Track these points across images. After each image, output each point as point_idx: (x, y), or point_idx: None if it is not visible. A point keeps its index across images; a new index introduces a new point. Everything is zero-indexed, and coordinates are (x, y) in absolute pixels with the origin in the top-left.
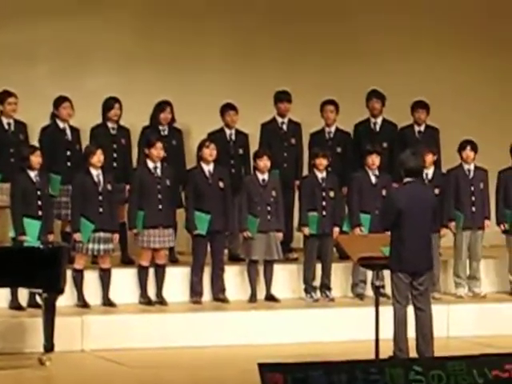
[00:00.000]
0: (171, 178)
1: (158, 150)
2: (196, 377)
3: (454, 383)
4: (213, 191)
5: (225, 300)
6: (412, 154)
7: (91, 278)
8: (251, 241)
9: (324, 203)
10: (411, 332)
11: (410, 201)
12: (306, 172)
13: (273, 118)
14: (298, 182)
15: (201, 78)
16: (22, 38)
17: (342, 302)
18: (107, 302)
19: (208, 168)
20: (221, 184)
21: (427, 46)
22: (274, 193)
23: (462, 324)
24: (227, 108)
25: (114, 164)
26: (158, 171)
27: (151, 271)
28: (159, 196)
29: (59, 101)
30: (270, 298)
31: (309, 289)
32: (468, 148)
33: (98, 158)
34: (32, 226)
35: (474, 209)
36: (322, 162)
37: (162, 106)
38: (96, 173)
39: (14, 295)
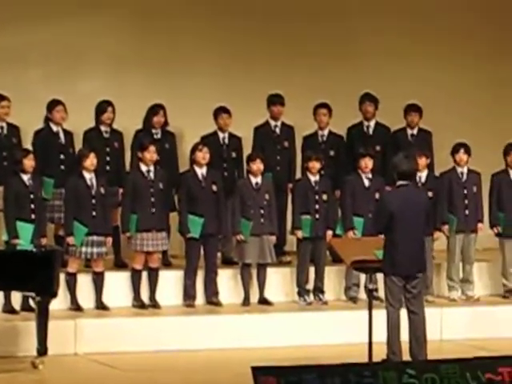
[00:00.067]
0: (164, 181)
1: (151, 154)
2: (189, 380)
3: None
4: (206, 194)
5: (218, 303)
6: (405, 157)
7: (84, 282)
8: (244, 244)
9: (317, 206)
10: (404, 335)
11: (403, 204)
12: (299, 175)
13: (266, 121)
14: (291, 185)
15: (194, 82)
16: (15, 41)
17: (335, 306)
18: (100, 306)
19: (201, 171)
20: (214, 187)
21: (420, 49)
22: (267, 196)
23: (455, 327)
24: (220, 111)
25: (107, 167)
26: (151, 174)
27: (144, 275)
28: (152, 199)
29: (52, 104)
30: (263, 301)
31: (302, 292)
32: (461, 151)
33: (91, 161)
34: (25, 230)
35: (467, 212)
36: (315, 165)
37: (155, 109)
38: (89, 176)
39: (8, 299)
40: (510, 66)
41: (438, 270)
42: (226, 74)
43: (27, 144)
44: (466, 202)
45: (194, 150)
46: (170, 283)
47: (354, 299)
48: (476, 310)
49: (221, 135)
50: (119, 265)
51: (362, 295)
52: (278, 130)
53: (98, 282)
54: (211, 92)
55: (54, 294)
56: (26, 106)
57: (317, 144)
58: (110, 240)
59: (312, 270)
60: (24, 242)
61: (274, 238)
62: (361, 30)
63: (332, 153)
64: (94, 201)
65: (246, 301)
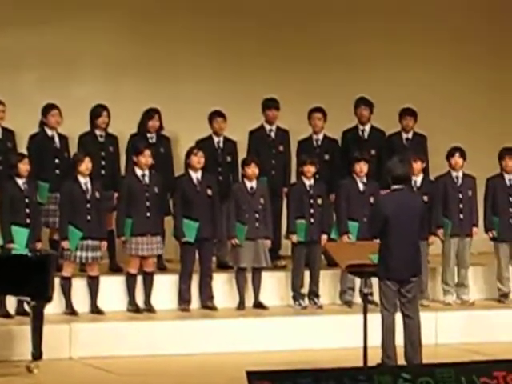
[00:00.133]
0: (159, 185)
1: (146, 158)
2: None
3: None
4: (201, 199)
5: (213, 307)
6: (399, 161)
7: (79, 286)
8: (239, 248)
9: (312, 210)
10: (399, 339)
11: (398, 208)
12: (293, 179)
13: (261, 125)
14: (285, 190)
15: (189, 86)
16: (10, 45)
17: (330, 310)
18: (95, 310)
19: (196, 175)
20: (209, 191)
21: (415, 53)
22: (262, 200)
23: (450, 331)
24: (215, 115)
25: (102, 172)
26: (146, 179)
27: (139, 279)
28: (147, 203)
29: (47, 108)
30: (258, 305)
31: (297, 296)
32: (457, 155)
33: (86, 165)
34: (20, 234)
35: (461, 216)
36: (310, 169)
37: (149, 113)
38: (84, 180)
39: (2, 303)
40: (505, 70)
41: (433, 275)
42: (221, 78)
43: (22, 148)
44: (461, 206)
45: (188, 154)
46: (165, 287)
47: (349, 303)
48: (471, 314)
49: (216, 139)
50: (114, 269)
51: (357, 299)
52: (272, 135)
53: (93, 287)
54: (206, 96)
55: (49, 299)
56: (21, 110)
57: (312, 148)
58: (104, 244)
59: (307, 274)
60: (19, 247)
61: (268, 242)
62: (356, 33)
63: (327, 157)
64: (88, 205)
65: (241, 305)
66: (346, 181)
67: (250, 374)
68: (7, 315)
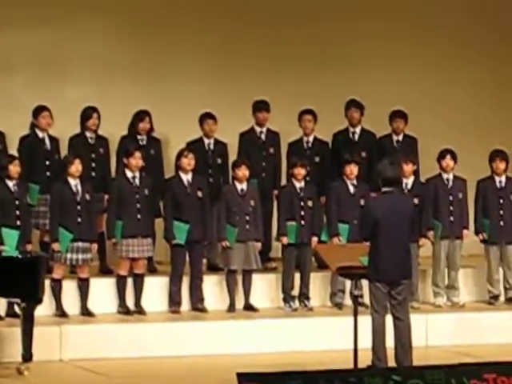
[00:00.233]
0: (150, 187)
1: (136, 160)
2: None
3: None
4: (191, 201)
5: (203, 309)
6: (390, 163)
7: (69, 288)
8: (230, 250)
9: (302, 213)
10: (390, 341)
11: (388, 210)
12: (284, 181)
13: (251, 127)
14: (276, 192)
15: (179, 88)
16: (0, 47)
17: (320, 312)
18: (86, 312)
19: (186, 177)
20: (199, 193)
21: (406, 55)
22: (252, 202)
23: (440, 333)
24: (206, 117)
25: (93, 173)
26: (137, 181)
27: (130, 281)
28: (138, 205)
29: (38, 110)
30: (248, 307)
31: (287, 298)
32: (448, 157)
33: (76, 167)
34: (10, 236)
35: (452, 218)
36: (300, 171)
37: (140, 115)
38: (74, 182)
39: None
40: (496, 71)
41: (424, 277)
42: (212, 80)
43: (13, 150)
44: (452, 208)
45: (179, 156)
46: (156, 289)
47: (339, 305)
48: (461, 316)
49: (206, 141)
50: (104, 271)
51: (348, 301)
52: (263, 137)
53: (83, 289)
54: (197, 98)
55: (39, 300)
56: (12, 112)
57: (302, 150)
58: (95, 246)
59: (297, 276)
60: (9, 248)
61: (259, 245)
62: (347, 35)
63: (317, 159)
64: (79, 207)
65: (232, 307)
66: (337, 183)
67: (241, 376)
68: None
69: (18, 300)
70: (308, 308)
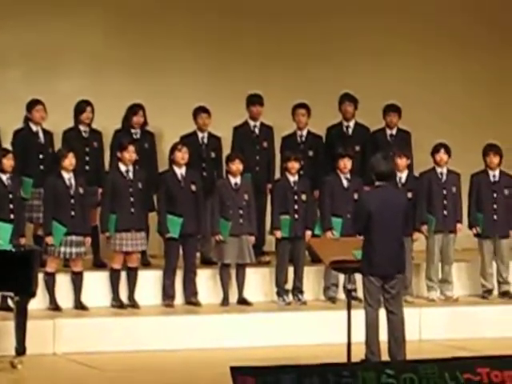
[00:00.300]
0: (143, 181)
1: (130, 154)
2: (168, 380)
3: None
4: (185, 194)
5: (197, 303)
6: (383, 158)
7: (63, 282)
8: (223, 244)
9: (296, 206)
10: (383, 335)
11: (381, 204)
12: (277, 175)
13: (245, 121)
14: (270, 186)
15: (173, 81)
16: None
17: (314, 306)
18: (79, 306)
19: (180, 171)
20: (193, 187)
21: (399, 48)
22: (246, 196)
23: (434, 327)
24: (200, 111)
25: (86, 167)
26: (130, 174)
27: (123, 274)
28: (131, 199)
29: (32, 104)
30: (242, 301)
31: (281, 292)
32: (442, 151)
33: (70, 161)
34: (4, 230)
35: (445, 212)
36: (294, 165)
37: (134, 109)
38: (68, 176)
39: None
40: (491, 66)
41: (417, 271)
42: (206, 73)
43: (7, 144)
44: (445, 202)
45: (173, 149)
46: (149, 283)
47: (332, 299)
48: (455, 310)
49: (200, 135)
50: (98, 265)
51: (341, 295)
52: (257, 131)
53: (77, 282)
54: (190, 92)
55: (33, 294)
56: (6, 105)
57: (296, 144)
58: (88, 240)
59: (291, 270)
60: (3, 242)
61: (252, 239)
62: (340, 29)
63: (311, 153)
64: (72, 201)
65: (225, 301)
66: (330, 177)
67: (234, 370)
68: None
69: (12, 294)
70: (301, 302)
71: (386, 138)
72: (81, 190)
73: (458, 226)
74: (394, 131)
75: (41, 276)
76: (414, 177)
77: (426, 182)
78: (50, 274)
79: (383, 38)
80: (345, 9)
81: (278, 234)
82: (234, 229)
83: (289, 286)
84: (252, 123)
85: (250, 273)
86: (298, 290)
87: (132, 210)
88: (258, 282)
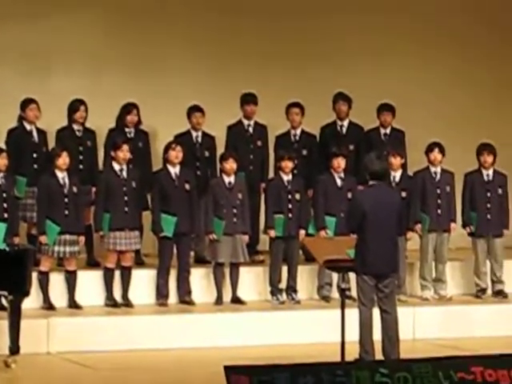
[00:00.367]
0: (137, 180)
1: (124, 153)
2: (162, 379)
3: None
4: (179, 193)
5: (191, 302)
6: (376, 157)
7: (57, 281)
8: (217, 243)
9: (290, 206)
10: (377, 334)
11: (375, 203)
12: (271, 174)
13: (239, 120)
14: (263, 185)
15: (167, 80)
16: None
17: (307, 305)
18: (73, 305)
19: (174, 170)
20: (187, 186)
21: (399, 48)
22: (240, 195)
23: (427, 326)
24: (193, 110)
25: (80, 166)
26: (124, 173)
27: (117, 273)
28: (125, 198)
29: (26, 103)
30: (236, 300)
31: (275, 291)
32: (436, 150)
33: (64, 160)
34: None
35: (439, 211)
36: (288, 164)
37: (128, 108)
38: (61, 175)
39: None
40: (485, 66)
41: (411, 270)
42: (200, 72)
43: (0, 142)
44: (439, 201)
45: (167, 148)
46: (143, 282)
47: (326, 298)
48: (448, 309)
49: (194, 134)
50: (92, 264)
51: (335, 294)
52: (251, 130)
53: (71, 281)
54: (184, 91)
55: (27, 293)
56: (0, 104)
57: (289, 143)
58: (82, 239)
59: (285, 269)
60: None
61: (246, 238)
62: (334, 29)
63: (305, 152)
64: (66, 200)
65: (219, 300)
66: (324, 176)
67: (228, 369)
68: None
69: (5, 293)
70: (295, 301)
71: (380, 137)
72: (74, 189)
73: (452, 225)
74: (388, 130)
75: (35, 275)
76: (408, 176)
77: (419, 181)
78: (44, 273)
79: (382, 38)
80: (345, 8)
81: (272, 233)
82: (228, 228)
83: (283, 285)
84: (246, 122)
85: (244, 272)
86: (291, 289)
87: (126, 209)
88: (252, 281)
